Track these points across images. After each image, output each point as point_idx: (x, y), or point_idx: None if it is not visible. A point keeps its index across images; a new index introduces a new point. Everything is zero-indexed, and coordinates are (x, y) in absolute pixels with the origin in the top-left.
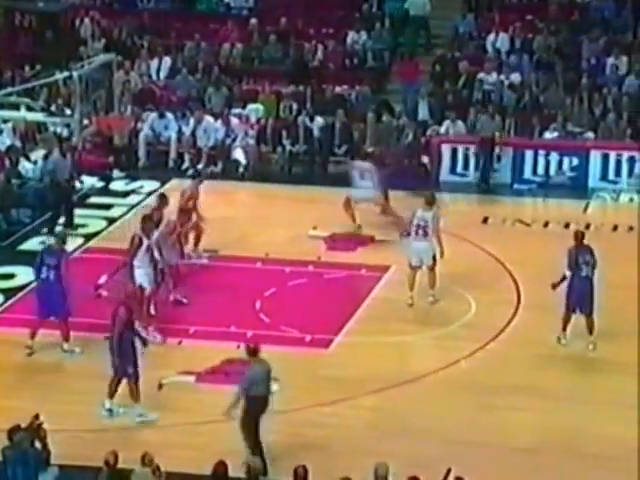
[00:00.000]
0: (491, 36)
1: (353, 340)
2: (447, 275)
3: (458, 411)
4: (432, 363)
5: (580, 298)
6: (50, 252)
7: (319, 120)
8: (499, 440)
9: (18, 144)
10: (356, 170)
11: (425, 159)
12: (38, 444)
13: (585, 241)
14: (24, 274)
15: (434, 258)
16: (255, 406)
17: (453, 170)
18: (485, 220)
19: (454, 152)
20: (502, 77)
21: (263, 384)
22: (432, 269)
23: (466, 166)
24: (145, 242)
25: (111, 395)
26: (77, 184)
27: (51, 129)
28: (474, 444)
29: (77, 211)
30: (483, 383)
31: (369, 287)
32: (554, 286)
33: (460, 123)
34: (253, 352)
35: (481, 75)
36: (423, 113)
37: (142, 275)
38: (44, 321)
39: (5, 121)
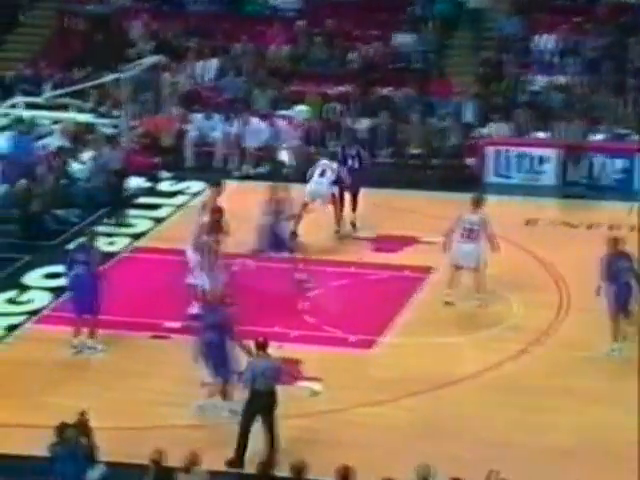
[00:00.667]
0: (537, 38)
1: (396, 341)
2: (491, 277)
3: (501, 413)
4: (475, 365)
5: (622, 305)
6: (80, 248)
7: (364, 121)
8: (540, 442)
9: (68, 145)
10: (320, 167)
11: (469, 161)
12: (85, 440)
13: (623, 246)
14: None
15: (481, 261)
16: (253, 400)
17: (497, 172)
18: (530, 222)
19: (498, 154)
20: (548, 79)
21: (262, 379)
22: (478, 271)
23: (510, 168)
24: (214, 249)
25: (225, 396)
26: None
27: (100, 130)
28: (516, 446)
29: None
30: (526, 386)
31: (412, 288)
32: (597, 292)
33: (504, 125)
34: (261, 346)
35: (527, 77)
36: (468, 115)
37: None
38: (82, 317)
39: (55, 122)
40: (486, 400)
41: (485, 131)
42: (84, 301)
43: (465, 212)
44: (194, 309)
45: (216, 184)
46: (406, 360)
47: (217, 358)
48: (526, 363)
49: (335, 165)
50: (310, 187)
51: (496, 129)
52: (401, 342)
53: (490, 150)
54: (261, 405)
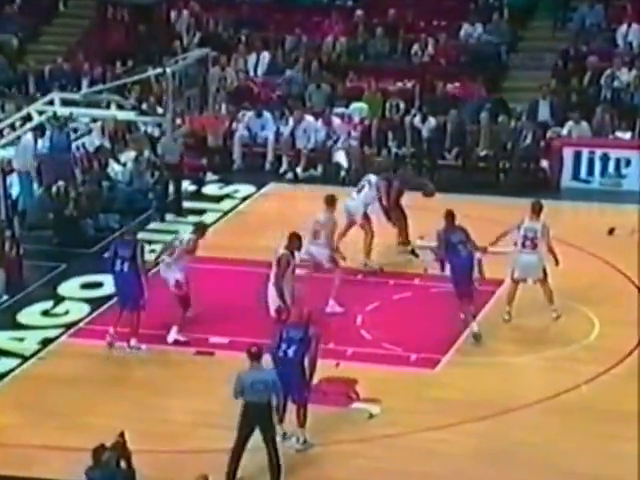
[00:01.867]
0: (622, 28)
1: (462, 360)
2: (568, 291)
3: (574, 441)
4: (548, 387)
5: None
6: (123, 244)
7: (429, 120)
8: (619, 475)
9: (107, 145)
10: (362, 181)
11: (544, 163)
12: (123, 464)
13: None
14: (111, 283)
15: (544, 272)
16: (245, 415)
17: (576, 176)
18: (611, 231)
19: (577, 156)
20: (634, 74)
21: (250, 392)
22: (544, 283)
23: (590, 172)
24: (292, 262)
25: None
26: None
27: (142, 129)
28: (590, 477)
29: (167, 217)
30: (604, 411)
31: (481, 303)
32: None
33: (585, 124)
34: (253, 356)
35: (610, 71)
36: (543, 113)
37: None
38: (125, 314)
39: (94, 120)
40: (558, 426)
41: (563, 131)
42: (127, 298)
43: (525, 218)
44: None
45: (199, 229)
46: (472, 381)
47: (290, 379)
48: (604, 386)
49: (376, 180)
50: (344, 203)
51: (575, 129)
52: (467, 361)
53: (568, 152)
54: (254, 420)
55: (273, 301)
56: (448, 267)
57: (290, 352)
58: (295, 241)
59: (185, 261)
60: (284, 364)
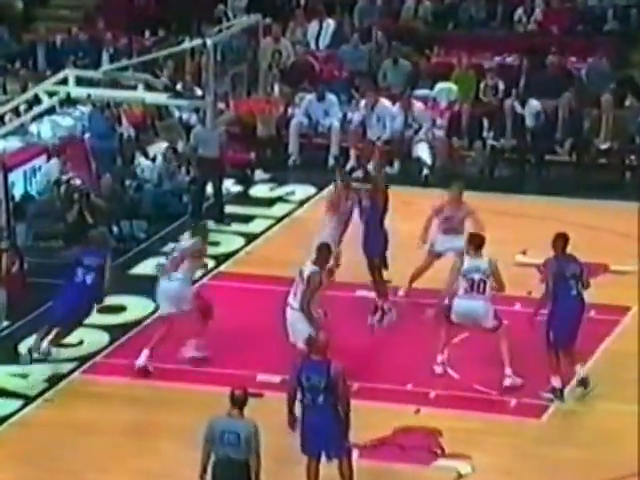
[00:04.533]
0: None
1: (575, 407)
2: None
3: None
4: None
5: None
6: (91, 252)
7: (535, 105)
8: None
9: (132, 135)
10: None
11: None
12: None
13: None
14: (137, 306)
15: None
16: (214, 472)
17: None
18: None
19: None
20: None
21: (220, 445)
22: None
23: None
24: (323, 281)
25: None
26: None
27: (176, 115)
28: None
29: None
30: None
31: (600, 335)
32: None
33: None
34: (235, 401)
35: None
36: None
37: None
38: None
39: (117, 104)
40: None
41: None
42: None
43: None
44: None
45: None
46: (589, 434)
47: (322, 429)
48: None
49: None
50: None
51: None
52: (583, 409)
53: None
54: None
55: (301, 329)
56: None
57: (320, 401)
58: (325, 254)
59: (193, 270)
60: (313, 413)
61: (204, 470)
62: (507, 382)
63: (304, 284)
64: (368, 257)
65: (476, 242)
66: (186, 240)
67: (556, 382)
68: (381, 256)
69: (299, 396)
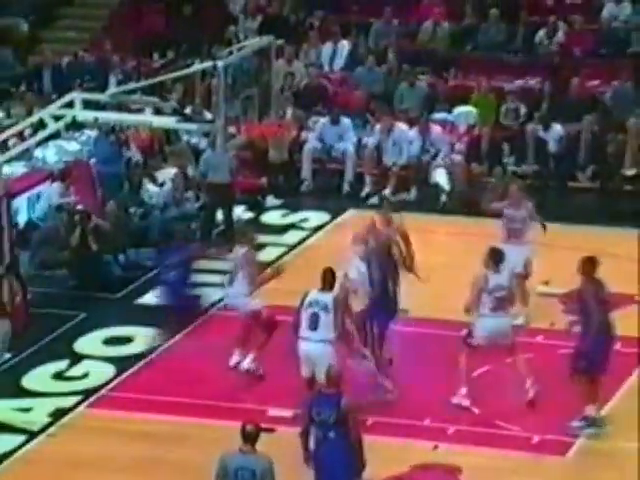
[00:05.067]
0: None
1: (602, 446)
2: None
3: None
4: None
5: None
6: None
7: (558, 129)
8: None
9: (140, 159)
10: None
11: None
12: None
13: None
14: (143, 338)
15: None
16: None
17: None
18: None
19: None
20: None
21: None
22: None
23: None
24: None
25: None
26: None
27: (184, 139)
28: None
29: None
30: None
31: (627, 368)
32: None
33: None
34: (247, 437)
35: None
36: None
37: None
38: None
39: (125, 128)
40: None
41: None
42: None
43: None
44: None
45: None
46: (617, 475)
47: (334, 464)
48: None
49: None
50: None
51: None
52: (610, 447)
53: None
54: None
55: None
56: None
57: (331, 436)
58: (330, 279)
59: (250, 277)
60: (325, 448)
61: None
62: (530, 394)
63: (334, 312)
64: None
65: (496, 257)
66: (237, 250)
67: (591, 411)
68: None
69: (312, 431)
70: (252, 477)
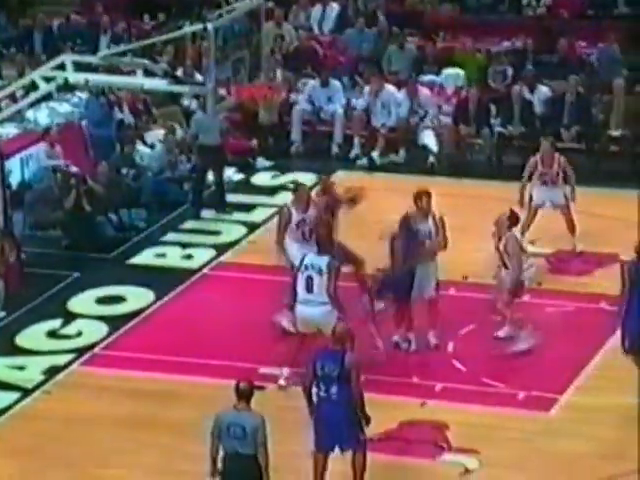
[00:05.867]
0: None
1: (585, 401)
2: None
3: None
4: None
5: None
6: None
7: (544, 91)
8: None
9: (131, 121)
10: None
11: None
12: None
13: None
14: (136, 297)
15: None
16: (224, 469)
17: None
18: None
19: None
20: None
21: (227, 439)
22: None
23: None
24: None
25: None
26: None
27: (183, 102)
28: None
29: (205, 213)
30: None
31: (610, 327)
32: None
33: None
34: (240, 394)
35: None
36: None
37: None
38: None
39: (118, 90)
40: None
41: None
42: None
43: None
44: None
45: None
46: (599, 429)
47: (334, 419)
48: None
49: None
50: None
51: None
52: (592, 403)
53: None
54: (235, 475)
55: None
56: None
57: (333, 391)
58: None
59: None
60: (327, 404)
61: (214, 465)
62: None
63: (327, 275)
64: None
65: (512, 220)
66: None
67: None
68: None
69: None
70: (243, 433)
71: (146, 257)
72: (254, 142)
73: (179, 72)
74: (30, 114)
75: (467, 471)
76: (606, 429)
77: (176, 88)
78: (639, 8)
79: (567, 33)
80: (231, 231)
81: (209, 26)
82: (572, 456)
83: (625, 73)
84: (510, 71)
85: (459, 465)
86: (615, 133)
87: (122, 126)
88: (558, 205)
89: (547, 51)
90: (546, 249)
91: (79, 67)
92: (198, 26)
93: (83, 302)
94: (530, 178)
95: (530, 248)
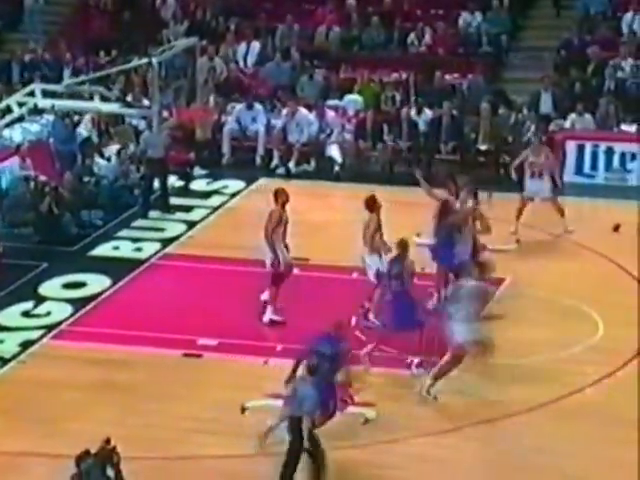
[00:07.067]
0: (627, 16)
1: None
2: (571, 290)
3: (580, 446)
4: (552, 390)
5: None
6: (395, 260)
7: (426, 113)
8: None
9: (94, 138)
10: None
11: None
12: (110, 472)
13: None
14: (95, 283)
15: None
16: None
17: (579, 171)
18: (616, 228)
19: (580, 150)
20: (639, 64)
21: (299, 408)
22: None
23: (594, 166)
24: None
25: None
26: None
27: (128, 121)
28: None
29: (152, 213)
30: (610, 415)
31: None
32: None
33: (588, 117)
34: (310, 370)
35: (614, 61)
36: (546, 105)
37: None
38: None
39: (80, 113)
40: (565, 430)
41: (565, 124)
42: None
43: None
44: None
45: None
46: (473, 384)
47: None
48: (610, 390)
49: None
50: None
51: (578, 121)
52: (467, 364)
53: (571, 145)
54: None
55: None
56: None
57: (325, 366)
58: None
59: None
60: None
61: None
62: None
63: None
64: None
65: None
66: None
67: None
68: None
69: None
70: (312, 407)
71: (103, 250)
72: (192, 155)
73: (129, 98)
74: (6, 133)
75: (367, 420)
76: (478, 385)
77: (127, 111)
78: (498, 48)
79: (443, 67)
80: (174, 228)
81: (154, 60)
82: (450, 406)
83: (489, 99)
84: (398, 97)
85: (361, 416)
86: (482, 147)
87: (83, 143)
88: (546, 199)
89: (427, 81)
90: (431, 240)
91: (46, 94)
92: (144, 60)
93: (51, 287)
94: (521, 167)
95: (416, 239)
